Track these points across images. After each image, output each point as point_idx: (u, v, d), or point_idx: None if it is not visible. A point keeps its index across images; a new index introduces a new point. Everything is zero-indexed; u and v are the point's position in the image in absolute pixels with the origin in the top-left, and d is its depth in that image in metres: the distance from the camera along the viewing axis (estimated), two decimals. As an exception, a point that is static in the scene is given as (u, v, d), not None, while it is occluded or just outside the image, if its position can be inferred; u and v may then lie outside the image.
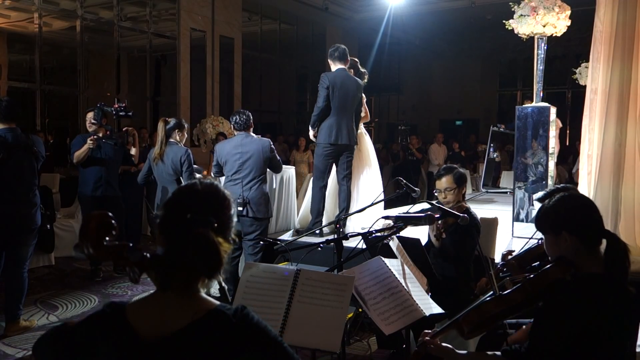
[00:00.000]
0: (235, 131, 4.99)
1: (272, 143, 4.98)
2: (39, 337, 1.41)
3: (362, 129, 5.80)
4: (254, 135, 5.02)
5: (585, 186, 4.62)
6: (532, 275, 2.07)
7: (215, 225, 1.33)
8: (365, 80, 5.73)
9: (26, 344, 4.23)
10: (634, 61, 4.39)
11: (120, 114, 5.65)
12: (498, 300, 2.07)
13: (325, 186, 5.42)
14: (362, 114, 5.60)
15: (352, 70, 5.57)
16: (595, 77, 4.57)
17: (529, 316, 2.70)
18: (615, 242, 2.02)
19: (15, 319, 4.45)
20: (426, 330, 2.22)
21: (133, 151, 6.14)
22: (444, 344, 2.15)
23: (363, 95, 5.59)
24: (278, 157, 5.04)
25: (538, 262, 2.42)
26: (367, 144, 5.83)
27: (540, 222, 2.11)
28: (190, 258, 1.30)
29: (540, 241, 3.08)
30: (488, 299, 2.12)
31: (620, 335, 1.95)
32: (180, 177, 5.16)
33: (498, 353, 2.08)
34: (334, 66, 5.35)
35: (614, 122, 4.39)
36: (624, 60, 4.37)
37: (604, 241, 2.04)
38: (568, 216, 2.04)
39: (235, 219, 1.46)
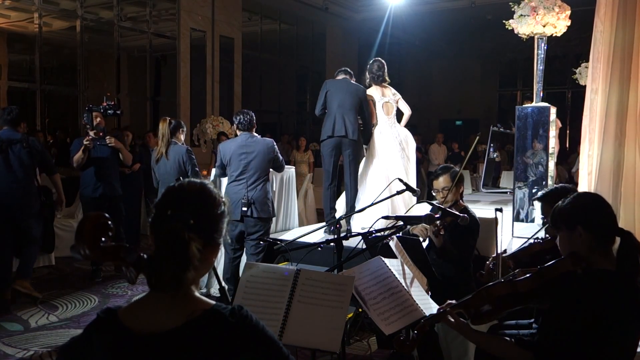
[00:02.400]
0: (239, 131, 4.99)
1: (275, 143, 5.02)
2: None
3: (383, 129, 5.80)
4: (257, 135, 5.03)
5: (585, 186, 4.61)
6: (544, 266, 2.08)
7: (192, 222, 1.32)
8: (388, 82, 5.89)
9: (26, 344, 4.24)
10: (633, 61, 4.38)
11: (109, 112, 5.68)
12: (507, 284, 2.07)
13: (333, 185, 5.58)
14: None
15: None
16: (595, 76, 4.57)
17: (529, 317, 2.70)
18: (630, 240, 2.03)
19: (27, 277, 5.26)
20: (450, 301, 2.22)
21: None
22: (461, 319, 2.15)
23: (366, 97, 5.67)
24: (281, 157, 5.08)
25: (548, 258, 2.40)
26: (378, 143, 5.79)
27: (555, 218, 2.13)
28: (163, 254, 1.31)
29: (537, 240, 3.09)
30: (498, 282, 2.12)
31: (629, 330, 1.97)
32: (181, 178, 5.15)
33: (511, 340, 2.09)
34: (339, 77, 5.68)
35: (614, 122, 4.38)
36: (624, 61, 4.37)
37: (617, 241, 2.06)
38: (584, 212, 2.06)
39: (226, 218, 1.44)
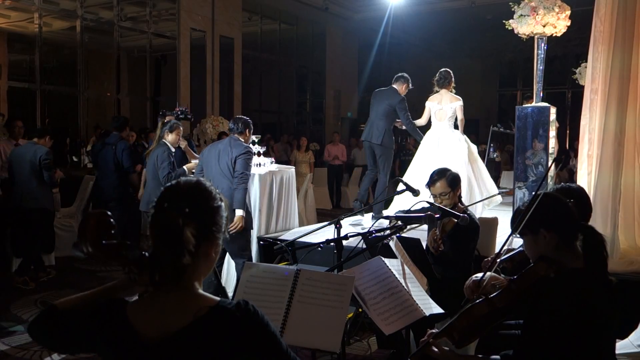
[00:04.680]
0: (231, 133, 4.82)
1: (250, 147, 4.71)
2: (33, 319, 1.43)
3: (430, 133, 6.40)
4: (242, 140, 4.69)
5: (585, 186, 4.61)
6: (515, 277, 2.07)
7: (187, 210, 1.34)
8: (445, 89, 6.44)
9: (26, 344, 4.23)
10: (633, 61, 4.39)
11: (181, 116, 6.18)
12: (485, 302, 2.07)
13: (373, 176, 6.47)
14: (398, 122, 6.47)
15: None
16: (595, 76, 4.57)
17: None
18: (592, 234, 2.05)
19: None
20: (431, 330, 2.21)
21: None
22: (444, 347, 2.14)
23: (401, 106, 6.30)
24: (245, 161, 4.57)
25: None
26: (421, 146, 6.40)
27: (517, 224, 2.12)
28: (159, 243, 1.32)
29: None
30: (476, 302, 2.12)
31: (606, 325, 1.98)
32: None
33: (497, 357, 2.09)
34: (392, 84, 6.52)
35: (614, 122, 4.39)
36: (624, 61, 4.37)
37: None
38: (543, 213, 2.06)
39: (224, 214, 1.44)
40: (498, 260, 2.55)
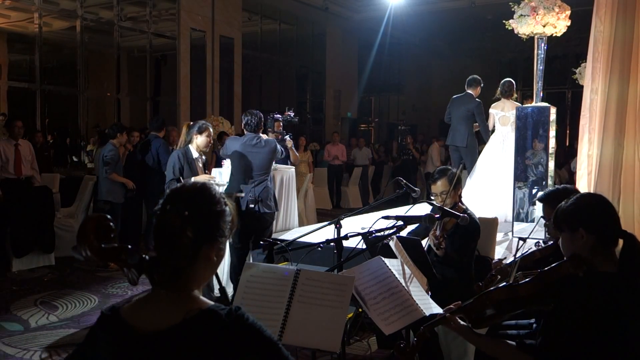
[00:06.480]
0: (246, 132, 5.05)
1: (276, 142, 5.18)
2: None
3: (495, 136, 6.84)
4: (263, 136, 5.11)
5: (585, 185, 4.62)
6: (545, 269, 2.05)
7: (186, 213, 1.35)
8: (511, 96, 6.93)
9: (26, 344, 4.24)
10: (633, 61, 4.39)
11: (287, 120, 6.82)
12: (508, 288, 2.05)
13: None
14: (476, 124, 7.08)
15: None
16: (595, 76, 4.57)
17: (529, 317, 2.70)
18: (633, 243, 2.01)
19: None
20: (450, 306, 2.19)
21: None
22: (462, 323, 2.14)
23: (478, 110, 6.96)
24: (279, 151, 5.23)
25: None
26: (487, 147, 6.86)
27: (558, 219, 2.10)
28: (158, 244, 1.34)
29: (537, 246, 3.08)
30: (498, 286, 2.10)
31: (631, 334, 1.95)
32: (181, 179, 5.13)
33: (513, 343, 2.08)
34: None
35: (614, 122, 4.39)
36: (624, 60, 4.37)
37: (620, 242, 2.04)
38: (587, 213, 2.04)
39: (228, 218, 1.44)
40: (511, 261, 2.54)
